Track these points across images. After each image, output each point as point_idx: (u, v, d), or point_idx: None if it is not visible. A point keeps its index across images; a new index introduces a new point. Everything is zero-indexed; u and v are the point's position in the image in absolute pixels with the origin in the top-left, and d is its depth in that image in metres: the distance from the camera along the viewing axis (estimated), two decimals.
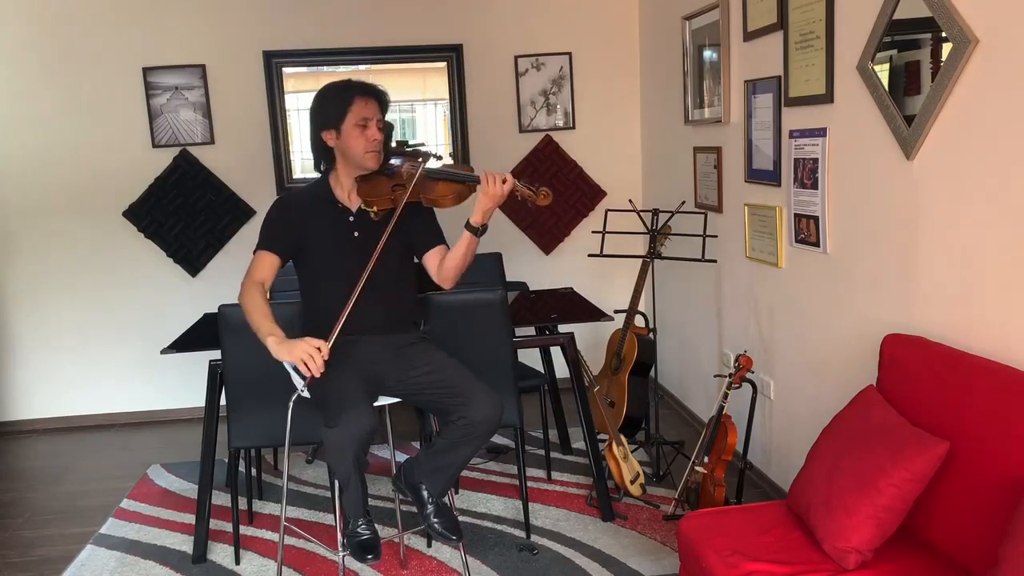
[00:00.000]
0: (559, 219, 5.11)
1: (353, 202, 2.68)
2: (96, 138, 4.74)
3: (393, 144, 4.94)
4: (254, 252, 2.66)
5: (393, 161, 2.72)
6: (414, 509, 2.72)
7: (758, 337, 3.55)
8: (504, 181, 2.49)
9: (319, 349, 2.35)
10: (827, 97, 2.84)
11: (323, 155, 2.70)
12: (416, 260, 2.79)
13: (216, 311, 3.00)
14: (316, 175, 2.80)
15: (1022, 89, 2.01)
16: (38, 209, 4.77)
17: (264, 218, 2.71)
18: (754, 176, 3.46)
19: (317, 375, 2.36)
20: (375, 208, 2.61)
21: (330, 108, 2.61)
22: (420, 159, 2.64)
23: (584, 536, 3.27)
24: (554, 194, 5.00)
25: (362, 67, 4.92)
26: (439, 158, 2.57)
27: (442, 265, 2.68)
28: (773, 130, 3.25)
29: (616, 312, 3.82)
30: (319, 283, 2.69)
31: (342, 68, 4.91)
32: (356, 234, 2.65)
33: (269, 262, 2.62)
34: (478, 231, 2.56)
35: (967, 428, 2.04)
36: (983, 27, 2.12)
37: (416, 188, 2.58)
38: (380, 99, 2.66)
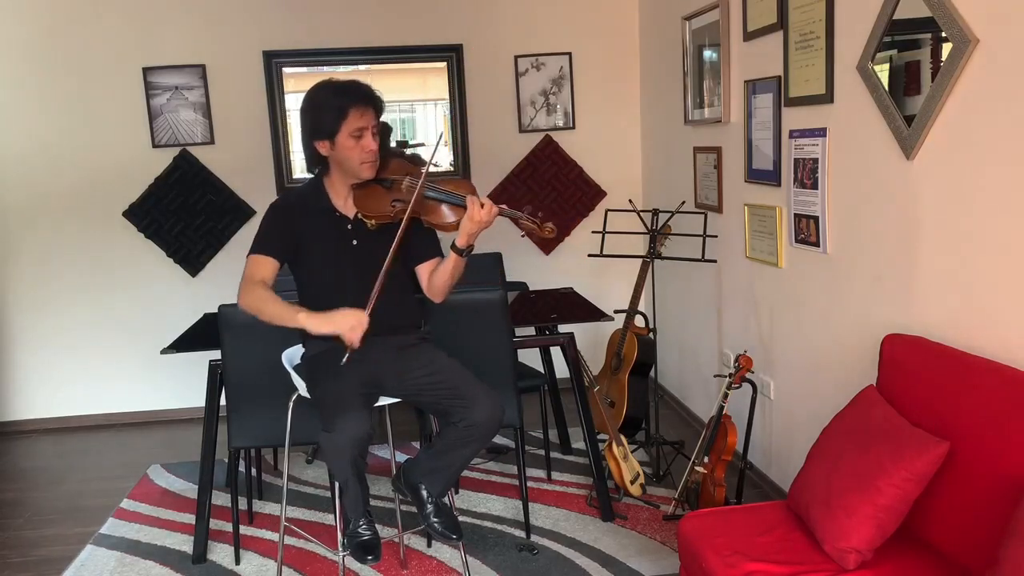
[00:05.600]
0: (559, 219, 5.10)
1: (349, 209, 2.62)
2: (96, 138, 4.74)
3: (393, 144, 4.94)
4: (248, 256, 2.60)
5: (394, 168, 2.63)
6: (414, 509, 2.72)
7: (758, 337, 3.55)
8: (488, 208, 2.44)
9: (360, 320, 2.39)
10: (827, 97, 2.84)
11: (316, 161, 2.63)
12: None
13: (216, 311, 3.00)
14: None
15: (1022, 89, 2.01)
16: (38, 209, 4.77)
17: (260, 223, 2.65)
18: (754, 176, 3.46)
19: (357, 347, 2.39)
20: (373, 221, 2.56)
21: (323, 118, 2.51)
22: (419, 174, 2.53)
23: (584, 536, 3.27)
24: (554, 194, 5.05)
25: (362, 67, 4.92)
26: (437, 165, 2.47)
27: (431, 281, 2.65)
28: (773, 130, 3.25)
29: (616, 312, 3.82)
30: (317, 290, 2.64)
31: (342, 68, 4.91)
32: (355, 242, 2.61)
33: (267, 265, 2.56)
34: (463, 252, 2.53)
35: (967, 428, 2.04)
36: (983, 27, 2.12)
37: (416, 207, 2.51)
38: (376, 106, 2.55)
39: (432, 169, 2.66)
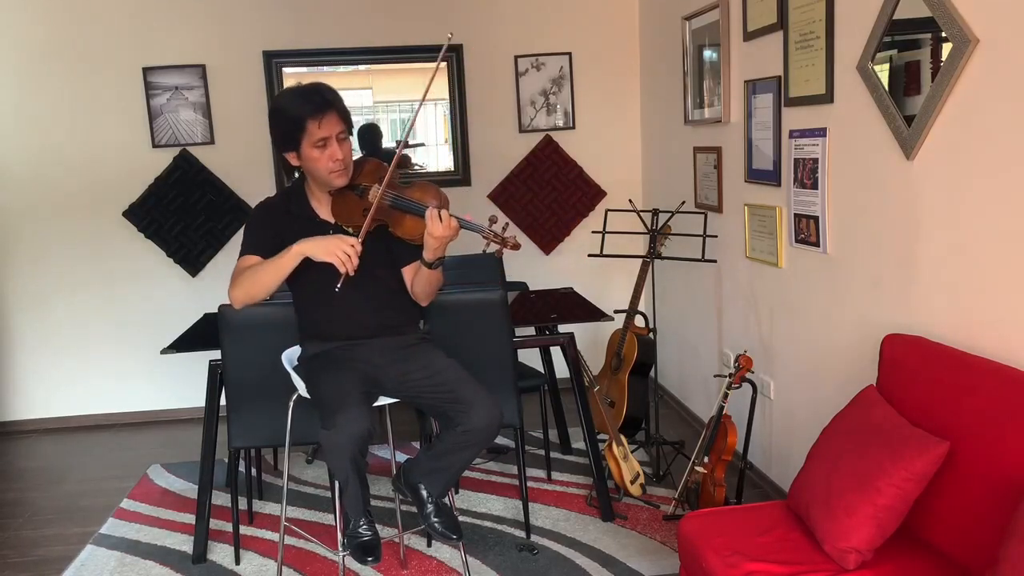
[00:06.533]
0: (559, 219, 5.11)
1: (331, 215, 2.62)
2: (96, 138, 4.74)
3: (393, 143, 4.94)
4: (239, 257, 2.61)
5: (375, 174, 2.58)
6: (414, 509, 2.72)
7: (758, 337, 3.55)
8: (446, 223, 2.38)
9: (353, 246, 2.37)
10: (827, 97, 2.84)
11: (290, 170, 2.63)
12: None
13: (216, 311, 3.00)
14: None
15: (1022, 89, 2.01)
16: (38, 209, 4.77)
17: (247, 224, 2.67)
18: (754, 176, 3.46)
19: (352, 272, 2.38)
20: (350, 229, 2.54)
21: (284, 132, 2.49)
22: (386, 184, 2.47)
23: (584, 536, 3.27)
24: (554, 194, 5.05)
25: (362, 67, 4.92)
26: (422, 167, 2.37)
27: (412, 285, 2.65)
28: (773, 130, 3.25)
29: (616, 312, 3.82)
30: (308, 296, 2.65)
31: (342, 68, 4.91)
32: None
33: (254, 261, 2.57)
34: (431, 265, 2.52)
35: (967, 428, 2.04)
36: (983, 27, 2.12)
37: (383, 217, 2.47)
38: (337, 109, 2.48)
39: (417, 168, 2.60)
